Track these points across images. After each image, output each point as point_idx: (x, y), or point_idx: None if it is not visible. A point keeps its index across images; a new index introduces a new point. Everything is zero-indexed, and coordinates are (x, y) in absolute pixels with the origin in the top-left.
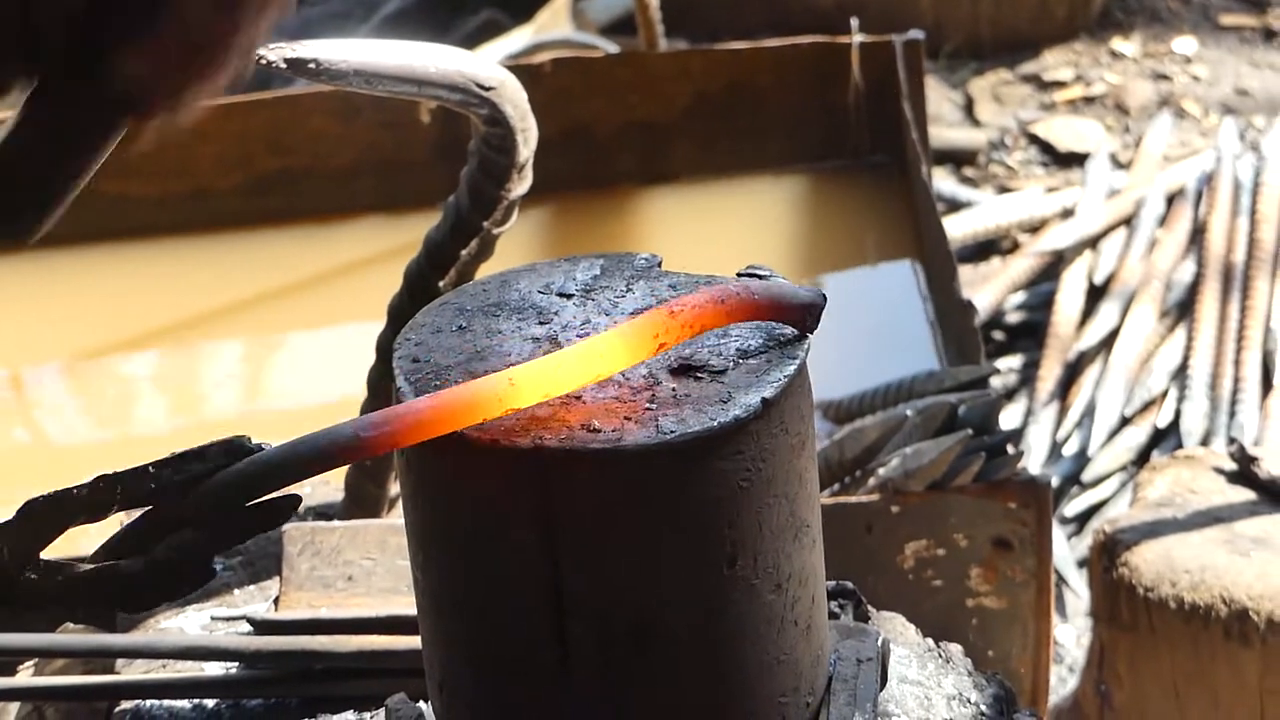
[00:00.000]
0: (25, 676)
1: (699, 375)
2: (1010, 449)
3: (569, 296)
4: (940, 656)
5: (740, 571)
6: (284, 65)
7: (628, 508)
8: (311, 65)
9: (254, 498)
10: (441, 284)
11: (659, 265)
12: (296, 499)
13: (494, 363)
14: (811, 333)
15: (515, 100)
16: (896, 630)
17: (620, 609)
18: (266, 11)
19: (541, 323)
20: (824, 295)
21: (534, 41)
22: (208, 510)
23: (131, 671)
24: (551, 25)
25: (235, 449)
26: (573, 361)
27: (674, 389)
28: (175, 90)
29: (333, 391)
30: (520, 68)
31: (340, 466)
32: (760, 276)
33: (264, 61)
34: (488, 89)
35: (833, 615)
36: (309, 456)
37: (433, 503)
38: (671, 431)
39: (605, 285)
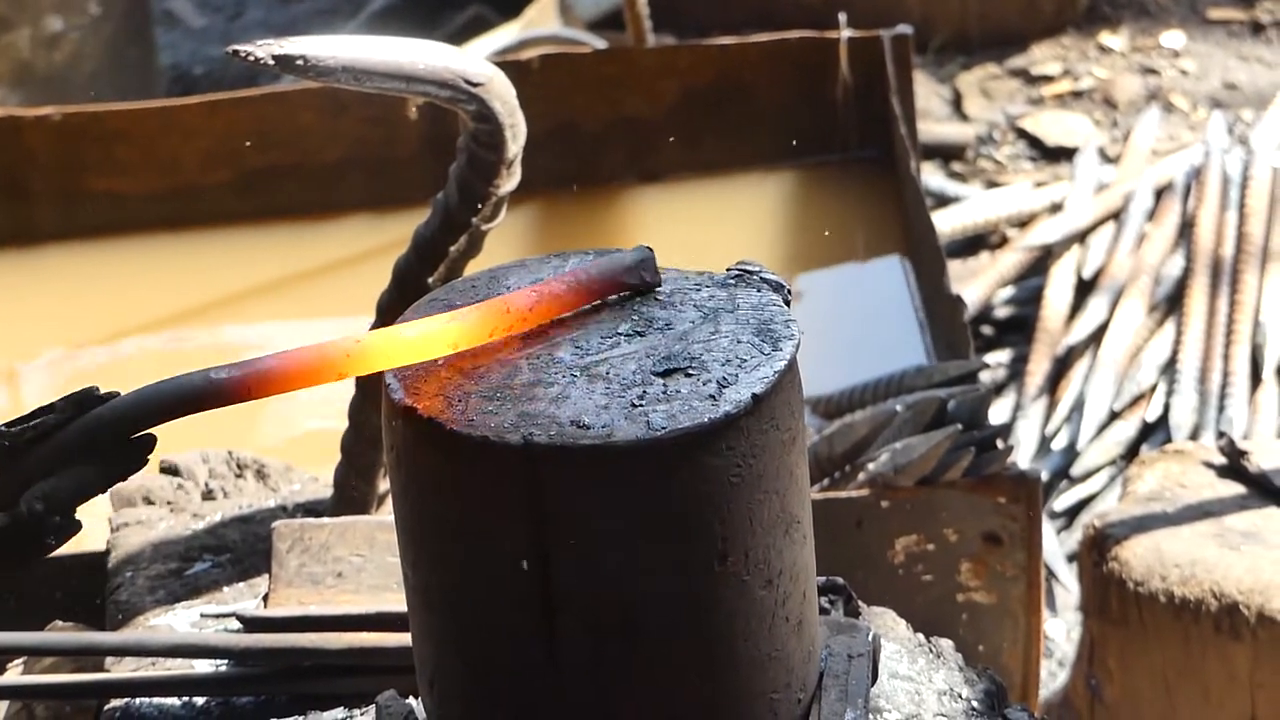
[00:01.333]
0: (14, 674)
1: (689, 372)
2: (1000, 444)
3: None
4: (931, 652)
5: (731, 567)
6: (272, 62)
7: (618, 504)
8: (300, 62)
9: (113, 441)
10: (430, 280)
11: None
12: (153, 439)
13: (482, 358)
14: (655, 285)
15: (504, 96)
16: (887, 626)
17: (610, 604)
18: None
19: None
20: (648, 249)
21: (522, 37)
22: (67, 457)
23: (121, 669)
24: (539, 21)
25: (84, 400)
26: (413, 337)
27: (664, 385)
28: None
29: (321, 389)
30: (508, 64)
31: (192, 413)
32: (750, 272)
33: (252, 58)
34: (476, 85)
35: (823, 611)
36: (162, 401)
37: (423, 498)
38: (662, 428)
39: None
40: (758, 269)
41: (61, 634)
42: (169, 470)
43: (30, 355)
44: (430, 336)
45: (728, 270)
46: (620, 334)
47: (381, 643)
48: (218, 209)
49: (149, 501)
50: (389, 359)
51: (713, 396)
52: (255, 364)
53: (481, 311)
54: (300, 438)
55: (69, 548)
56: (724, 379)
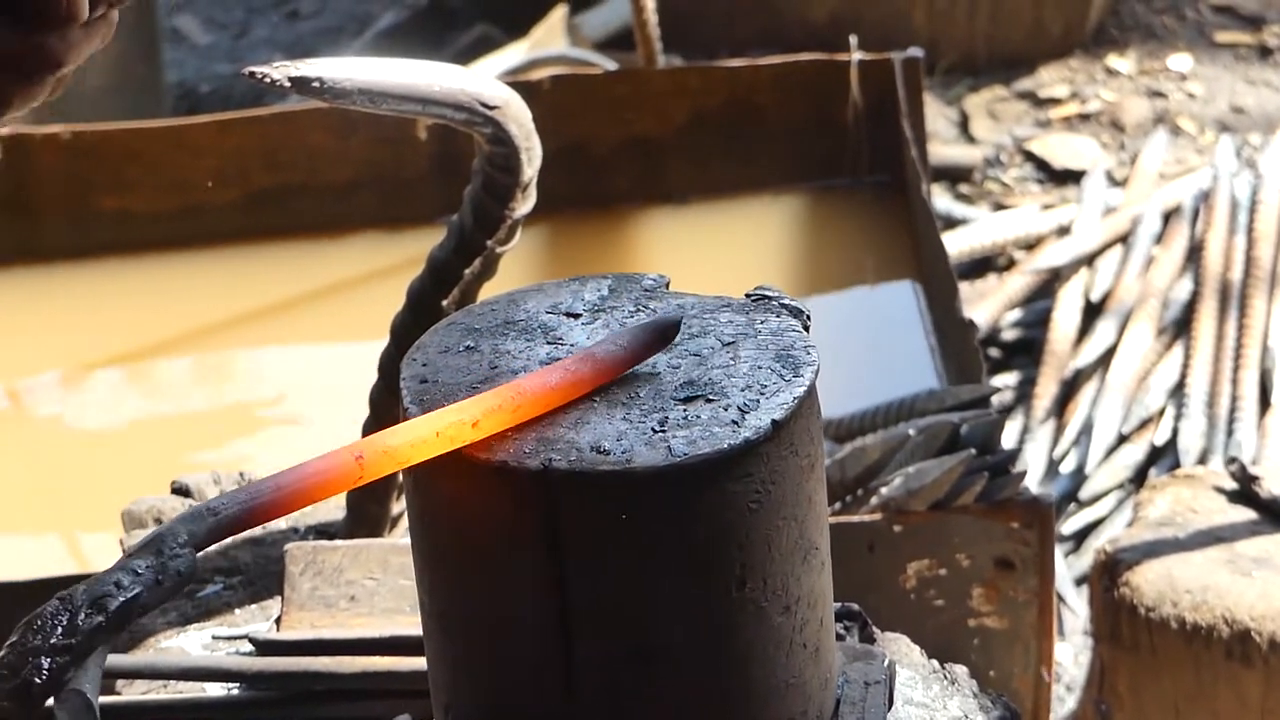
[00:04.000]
0: None
1: (709, 397)
2: (1012, 469)
3: (577, 317)
4: (945, 678)
5: (749, 593)
6: (288, 84)
7: (637, 530)
8: (316, 84)
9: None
10: (445, 303)
11: (666, 286)
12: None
13: (502, 383)
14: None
15: (520, 119)
16: (901, 651)
17: (627, 631)
18: (92, 41)
19: (550, 343)
20: (673, 321)
21: (530, 58)
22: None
23: (132, 692)
24: (546, 41)
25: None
26: (425, 437)
27: (684, 411)
28: None
29: (332, 409)
30: (517, 84)
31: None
32: (769, 297)
33: (268, 80)
34: (492, 108)
35: (839, 637)
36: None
37: (440, 523)
38: (683, 454)
39: (613, 305)
40: (777, 294)
41: None
42: (180, 491)
43: (37, 374)
44: (448, 433)
45: (746, 295)
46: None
47: (395, 666)
48: (227, 228)
49: (160, 522)
50: (406, 460)
51: (734, 422)
52: (260, 492)
53: (500, 398)
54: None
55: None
56: (744, 405)
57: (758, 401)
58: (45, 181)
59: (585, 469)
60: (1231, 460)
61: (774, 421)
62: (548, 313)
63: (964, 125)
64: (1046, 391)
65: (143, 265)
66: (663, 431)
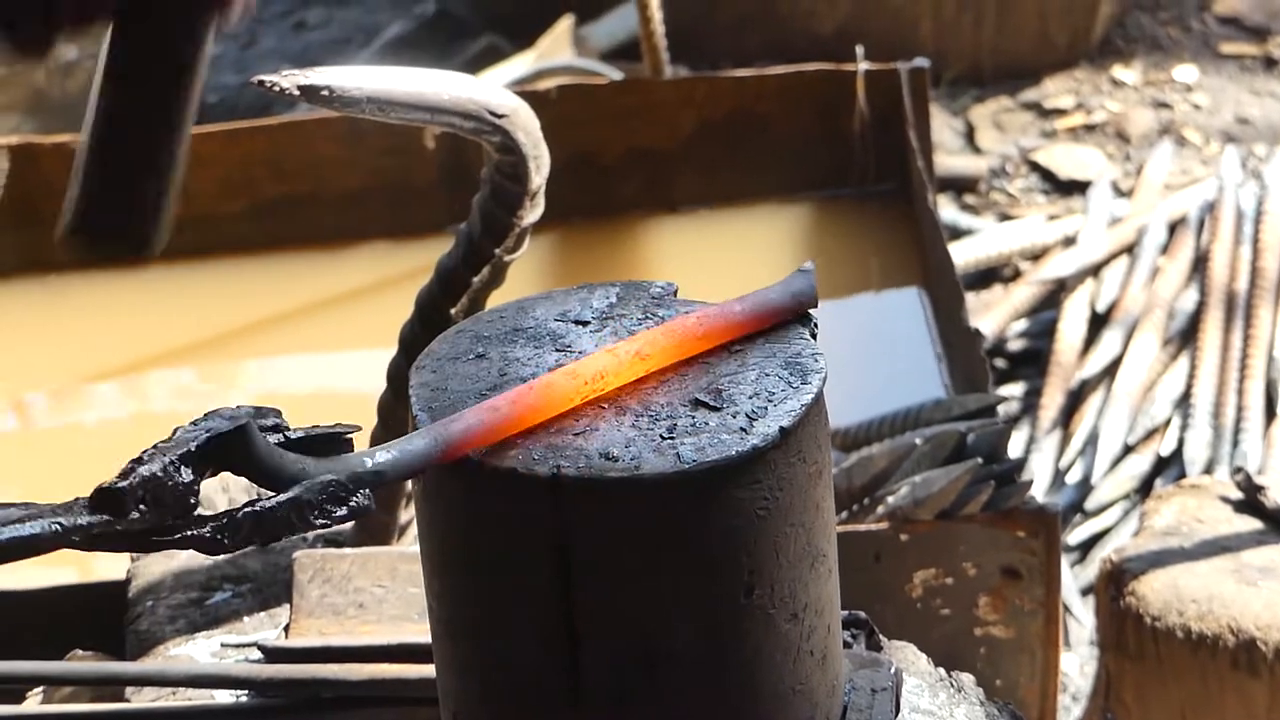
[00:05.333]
0: (33, 704)
1: (717, 405)
2: (1019, 478)
3: (585, 324)
4: (952, 686)
5: (757, 600)
6: (297, 92)
7: (645, 536)
8: (325, 92)
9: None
10: (453, 311)
11: (674, 293)
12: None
13: (511, 389)
14: (814, 306)
15: (528, 128)
16: (908, 660)
17: (634, 637)
18: None
19: (559, 350)
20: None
21: (536, 68)
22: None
23: (141, 699)
24: (553, 51)
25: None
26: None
27: (692, 418)
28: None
29: (339, 418)
30: (524, 94)
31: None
32: None
33: (278, 89)
34: (500, 116)
35: (845, 645)
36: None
37: (449, 529)
38: (691, 461)
39: (621, 313)
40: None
41: (81, 663)
42: None
43: (45, 385)
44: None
45: None
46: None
47: (404, 674)
48: (234, 237)
49: None
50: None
51: (742, 430)
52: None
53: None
54: None
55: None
56: (753, 412)
57: (766, 409)
58: (53, 191)
59: (594, 476)
60: (1237, 470)
61: (782, 429)
62: (556, 320)
63: (970, 136)
64: (1052, 402)
65: (150, 275)
66: (671, 439)
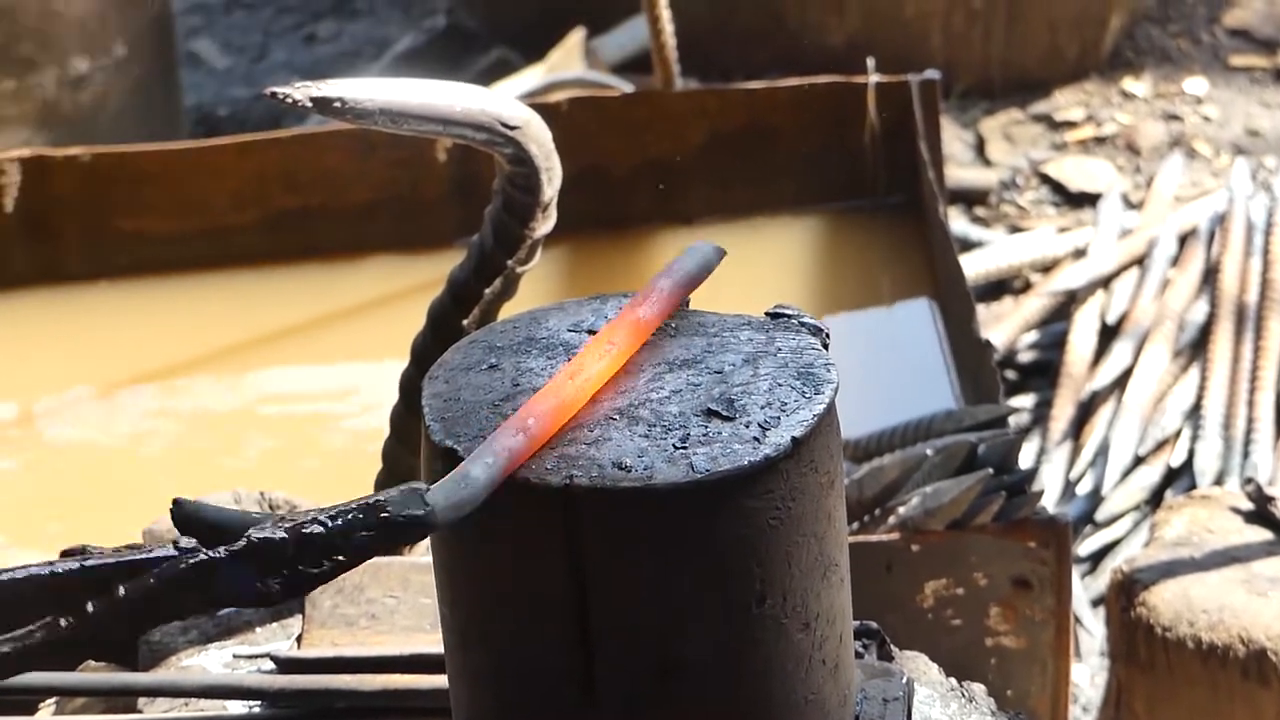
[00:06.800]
0: (46, 715)
1: (730, 414)
2: (1030, 488)
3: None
4: (964, 696)
5: (769, 610)
6: (310, 104)
7: (658, 546)
8: (338, 104)
9: None
10: (465, 322)
11: (686, 304)
12: None
13: (524, 401)
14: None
15: (540, 139)
16: (919, 670)
17: (647, 647)
18: None
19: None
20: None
21: (547, 81)
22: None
23: (153, 710)
24: (563, 64)
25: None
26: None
27: (705, 428)
28: None
29: (352, 430)
30: (536, 106)
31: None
32: (788, 315)
33: (290, 100)
34: (513, 128)
35: (857, 655)
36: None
37: (462, 539)
38: (704, 470)
39: None
40: (796, 312)
41: (93, 674)
42: None
43: (57, 395)
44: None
45: (766, 313)
46: (661, 376)
47: (416, 684)
48: (246, 250)
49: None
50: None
51: (755, 439)
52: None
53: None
54: (332, 479)
55: None
56: (765, 422)
57: (778, 419)
58: (65, 203)
59: (607, 485)
60: (1248, 481)
61: (794, 439)
62: (569, 330)
63: (980, 148)
64: (1063, 413)
65: (162, 287)
66: (684, 448)
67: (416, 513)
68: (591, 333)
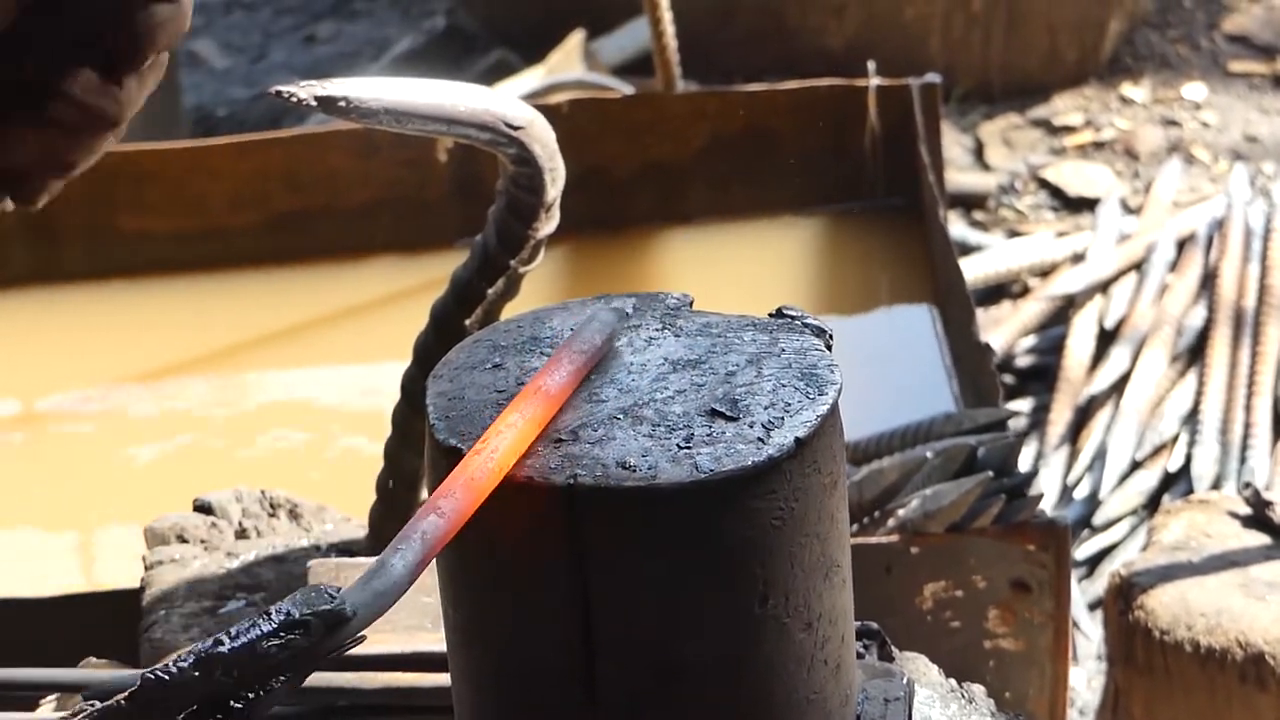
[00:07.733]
0: (46, 712)
1: (734, 415)
2: (1029, 491)
3: None
4: (963, 697)
5: (771, 610)
6: (314, 103)
7: (661, 546)
8: (342, 103)
9: None
10: (468, 322)
11: (690, 305)
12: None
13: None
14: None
15: (544, 140)
16: (919, 671)
17: (650, 647)
18: (146, 88)
19: None
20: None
21: (547, 82)
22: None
23: None
24: (563, 66)
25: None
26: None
27: (709, 428)
28: (56, 170)
29: (353, 430)
30: (538, 108)
31: None
32: (791, 317)
33: (295, 99)
34: (516, 128)
35: (858, 655)
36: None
37: (465, 538)
38: (707, 470)
39: (637, 324)
40: (799, 314)
41: (95, 671)
42: (202, 509)
43: (56, 394)
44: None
45: (769, 315)
46: (665, 376)
47: (417, 683)
48: (247, 250)
49: (183, 540)
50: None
51: (759, 440)
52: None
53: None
54: (333, 478)
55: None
56: (769, 422)
57: (782, 419)
58: (65, 202)
59: (610, 485)
60: (1245, 486)
61: (797, 439)
62: (572, 330)
63: (979, 153)
64: (1061, 418)
65: (162, 286)
66: (688, 448)
67: (325, 607)
68: None
